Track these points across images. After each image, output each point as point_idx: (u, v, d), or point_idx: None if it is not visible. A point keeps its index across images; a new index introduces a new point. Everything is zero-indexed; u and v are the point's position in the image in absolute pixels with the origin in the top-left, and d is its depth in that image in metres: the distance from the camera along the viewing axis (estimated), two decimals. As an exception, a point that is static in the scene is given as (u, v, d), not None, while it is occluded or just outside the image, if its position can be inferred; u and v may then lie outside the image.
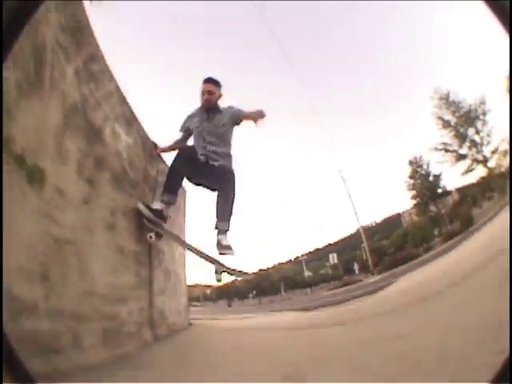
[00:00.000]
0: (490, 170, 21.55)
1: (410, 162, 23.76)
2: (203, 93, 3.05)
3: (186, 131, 3.19)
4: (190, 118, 3.19)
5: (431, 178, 23.17)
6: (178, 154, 2.92)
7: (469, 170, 22.61)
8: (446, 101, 23.00)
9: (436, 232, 23.28)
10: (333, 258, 18.75)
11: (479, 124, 21.92)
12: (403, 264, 13.44)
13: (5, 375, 0.67)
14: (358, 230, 22.99)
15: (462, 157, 22.43)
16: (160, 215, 2.62)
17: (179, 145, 3.20)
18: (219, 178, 2.88)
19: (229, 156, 3.10)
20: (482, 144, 21.83)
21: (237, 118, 3.02)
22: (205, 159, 2.92)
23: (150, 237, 2.54)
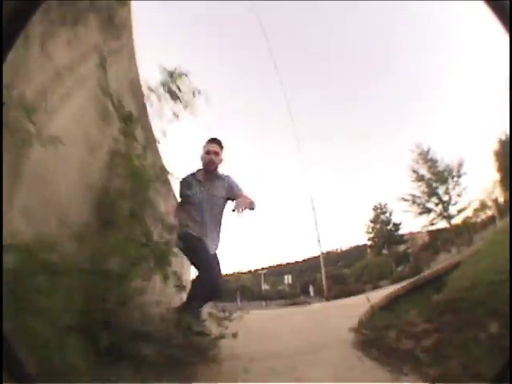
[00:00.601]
0: (452, 226, 22.98)
1: (375, 207, 25.60)
2: (208, 152, 2.84)
3: (183, 198, 2.95)
4: (186, 182, 2.93)
5: (391, 226, 25.00)
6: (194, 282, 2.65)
7: (431, 224, 24.00)
8: (425, 156, 24.15)
9: (399, 269, 25.07)
10: (287, 279, 20.24)
11: (451, 184, 23.33)
12: (351, 296, 14.98)
13: (5, 375, 0.68)
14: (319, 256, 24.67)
15: (427, 210, 23.85)
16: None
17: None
18: (217, 262, 2.80)
19: (219, 240, 2.92)
20: (449, 203, 23.27)
21: (233, 196, 2.83)
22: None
23: None
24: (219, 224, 2.91)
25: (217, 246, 2.87)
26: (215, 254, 2.84)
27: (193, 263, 2.76)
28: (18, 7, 0.83)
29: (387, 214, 25.37)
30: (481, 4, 0.81)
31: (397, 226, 25.24)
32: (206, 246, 2.70)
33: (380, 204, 25.57)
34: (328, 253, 26.53)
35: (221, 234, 2.93)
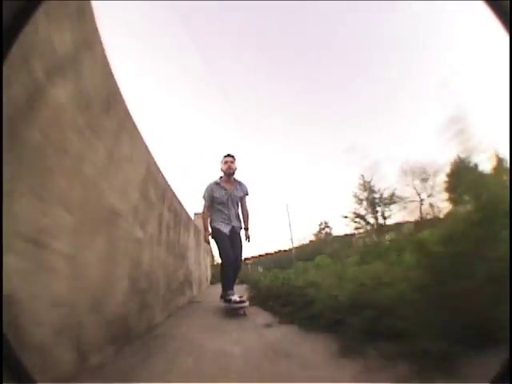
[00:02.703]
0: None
1: (320, 223, 28.53)
2: (226, 162, 3.77)
3: (212, 200, 3.75)
4: (211, 188, 3.76)
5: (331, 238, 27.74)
6: (223, 259, 3.50)
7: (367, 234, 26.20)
8: (367, 185, 25.79)
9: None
10: (260, 269, 22.87)
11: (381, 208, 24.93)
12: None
13: (5, 375, 0.67)
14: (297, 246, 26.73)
15: (366, 224, 25.55)
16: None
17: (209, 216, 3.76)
18: (239, 244, 3.68)
19: (241, 223, 3.85)
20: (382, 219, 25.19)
21: (244, 196, 3.86)
22: (232, 229, 3.67)
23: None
24: (238, 214, 3.87)
25: (240, 226, 3.83)
26: (239, 234, 3.76)
27: (218, 248, 3.63)
28: (18, 7, 0.82)
29: (327, 229, 28.94)
30: (481, 4, 0.80)
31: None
32: (228, 239, 3.60)
33: (324, 221, 29.18)
34: (310, 242, 28.69)
35: (241, 219, 3.89)
